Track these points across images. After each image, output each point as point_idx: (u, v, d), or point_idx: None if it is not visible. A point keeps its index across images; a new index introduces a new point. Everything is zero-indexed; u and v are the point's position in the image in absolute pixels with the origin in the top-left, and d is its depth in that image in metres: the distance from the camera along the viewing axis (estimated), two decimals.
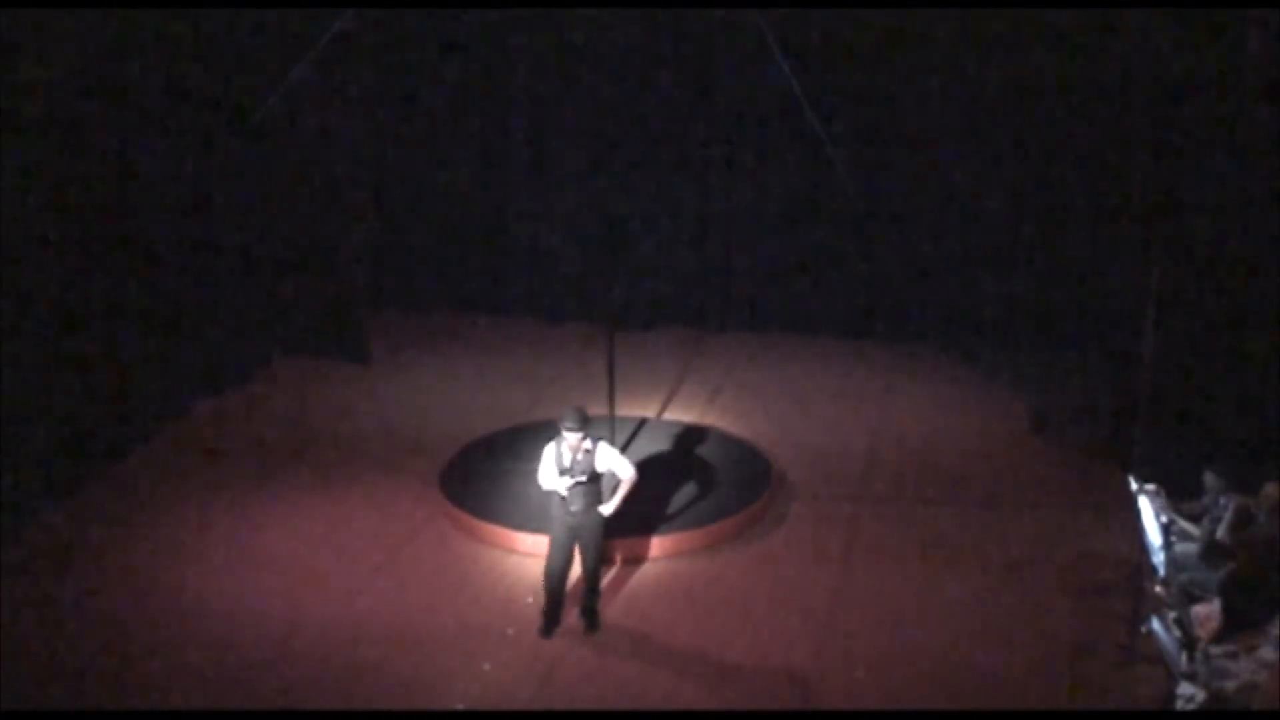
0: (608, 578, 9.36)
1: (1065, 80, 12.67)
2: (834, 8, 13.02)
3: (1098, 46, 12.35)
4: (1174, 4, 10.91)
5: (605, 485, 8.93)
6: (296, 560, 9.74)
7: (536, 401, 12.66)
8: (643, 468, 10.83)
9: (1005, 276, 13.54)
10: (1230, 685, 7.32)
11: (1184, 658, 7.46)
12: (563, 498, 8.69)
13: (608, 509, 8.83)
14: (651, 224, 14.46)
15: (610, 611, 9.05)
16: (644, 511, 10.15)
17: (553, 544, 8.84)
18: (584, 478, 8.66)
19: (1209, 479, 8.93)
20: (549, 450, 8.73)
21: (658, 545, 9.82)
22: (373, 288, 14.65)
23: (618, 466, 8.85)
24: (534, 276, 15.04)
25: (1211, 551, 8.34)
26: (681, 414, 12.44)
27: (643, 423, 11.95)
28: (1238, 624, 7.71)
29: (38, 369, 10.28)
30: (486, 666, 8.40)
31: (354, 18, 10.60)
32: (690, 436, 11.75)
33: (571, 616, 8.93)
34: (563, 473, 8.65)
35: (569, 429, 8.56)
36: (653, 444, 11.45)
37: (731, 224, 14.38)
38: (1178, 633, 7.68)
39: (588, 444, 8.67)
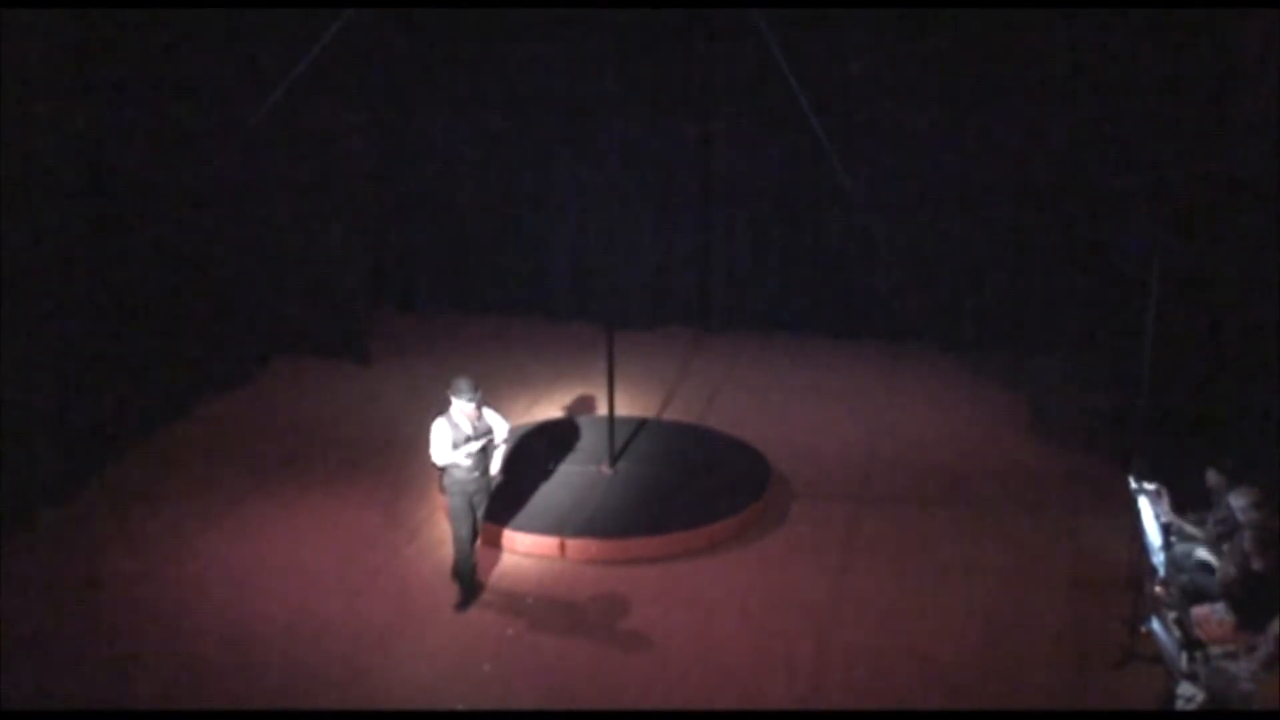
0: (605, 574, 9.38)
1: (1066, 79, 12.69)
2: (833, 8, 13.03)
3: (1098, 45, 12.36)
4: (1174, 4, 10.92)
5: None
6: (296, 560, 9.74)
7: (536, 401, 12.67)
8: (643, 468, 10.91)
9: (1005, 276, 13.56)
10: (1230, 685, 7.32)
11: (1184, 658, 7.46)
12: (465, 467, 8.85)
13: (495, 467, 9.09)
14: (652, 223, 14.48)
15: (610, 611, 9.05)
16: (644, 512, 10.18)
17: (455, 516, 8.99)
18: (483, 441, 8.90)
19: (1212, 476, 8.89)
20: (441, 425, 8.84)
21: (658, 545, 9.82)
22: (373, 288, 14.66)
23: (499, 424, 9.12)
24: (534, 276, 15.05)
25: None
26: (681, 414, 12.44)
27: (643, 423, 11.95)
28: (1243, 625, 7.71)
29: (37, 369, 10.28)
30: (486, 667, 8.40)
31: (354, 17, 10.61)
32: (690, 437, 11.75)
33: (570, 613, 8.95)
34: (467, 440, 8.82)
35: (470, 399, 8.76)
36: (653, 444, 11.45)
37: (732, 224, 14.39)
38: (1178, 633, 7.67)
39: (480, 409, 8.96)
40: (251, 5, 12.11)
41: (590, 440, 11.33)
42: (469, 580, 9.13)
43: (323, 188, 13.38)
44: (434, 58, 14.35)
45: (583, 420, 11.90)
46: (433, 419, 8.89)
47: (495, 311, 15.13)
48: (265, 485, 10.94)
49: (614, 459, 10.85)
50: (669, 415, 12.42)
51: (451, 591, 9.21)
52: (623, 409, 11.62)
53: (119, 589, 9.27)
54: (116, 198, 11.12)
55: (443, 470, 8.95)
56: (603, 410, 10.91)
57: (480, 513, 9.12)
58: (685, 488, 10.62)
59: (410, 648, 8.61)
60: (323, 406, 12.74)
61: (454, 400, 8.84)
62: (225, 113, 12.14)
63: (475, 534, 9.11)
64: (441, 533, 10.13)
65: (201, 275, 12.34)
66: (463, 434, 8.83)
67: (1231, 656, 7.45)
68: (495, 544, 9.89)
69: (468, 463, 8.85)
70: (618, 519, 10.06)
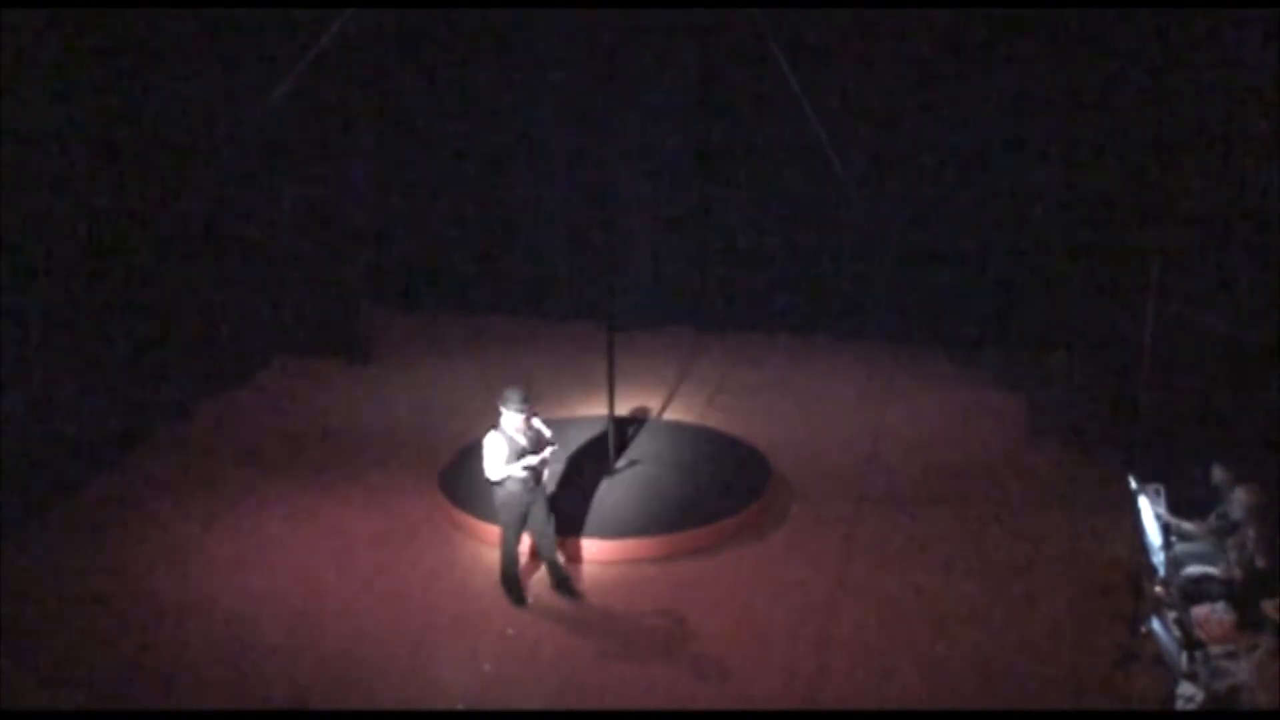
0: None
1: (1065, 81, 12.69)
2: (834, 7, 13.04)
3: (1097, 47, 12.36)
4: (1174, 5, 10.93)
5: None
6: (297, 560, 9.75)
7: (536, 401, 12.64)
8: (643, 468, 10.92)
9: (1005, 275, 13.56)
10: (1230, 685, 7.32)
11: (1184, 658, 7.46)
12: (522, 480, 8.83)
13: (547, 479, 9.13)
14: (651, 224, 14.48)
15: (611, 611, 9.06)
16: (644, 512, 10.18)
17: (508, 530, 9.00)
18: (543, 455, 8.90)
19: (1218, 473, 8.89)
20: (495, 440, 8.82)
21: (658, 545, 9.82)
22: (373, 288, 14.66)
23: (547, 432, 9.17)
24: (534, 276, 15.05)
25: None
26: (681, 414, 12.44)
27: (643, 423, 11.95)
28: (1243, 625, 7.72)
29: (38, 369, 10.28)
30: (486, 667, 8.40)
31: (354, 17, 10.62)
32: (690, 436, 11.74)
33: (570, 612, 8.95)
34: (524, 453, 8.80)
35: (521, 409, 8.77)
36: (653, 444, 11.45)
37: (732, 224, 14.38)
38: (1178, 633, 7.68)
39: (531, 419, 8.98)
40: (254, 5, 12.11)
41: (590, 440, 11.33)
42: (517, 585, 9.12)
43: (323, 187, 13.38)
44: (435, 58, 14.34)
45: (583, 420, 11.90)
46: (465, 428, 8.90)
47: (495, 311, 15.13)
48: (265, 485, 10.94)
49: (614, 459, 10.85)
50: (669, 415, 12.42)
51: (450, 590, 9.22)
52: (623, 409, 11.62)
53: (119, 589, 9.27)
54: (117, 197, 11.12)
55: (496, 485, 8.91)
56: (603, 410, 10.91)
57: (549, 527, 9.09)
58: (685, 488, 10.62)
59: (410, 647, 8.60)
60: (323, 406, 12.74)
61: (504, 411, 8.82)
62: (227, 112, 12.15)
63: (553, 542, 9.18)
64: (441, 532, 10.14)
65: (202, 275, 12.33)
66: (518, 446, 8.82)
67: (1231, 656, 7.46)
68: (495, 544, 9.86)
69: (524, 474, 8.83)
70: (618, 519, 10.06)
